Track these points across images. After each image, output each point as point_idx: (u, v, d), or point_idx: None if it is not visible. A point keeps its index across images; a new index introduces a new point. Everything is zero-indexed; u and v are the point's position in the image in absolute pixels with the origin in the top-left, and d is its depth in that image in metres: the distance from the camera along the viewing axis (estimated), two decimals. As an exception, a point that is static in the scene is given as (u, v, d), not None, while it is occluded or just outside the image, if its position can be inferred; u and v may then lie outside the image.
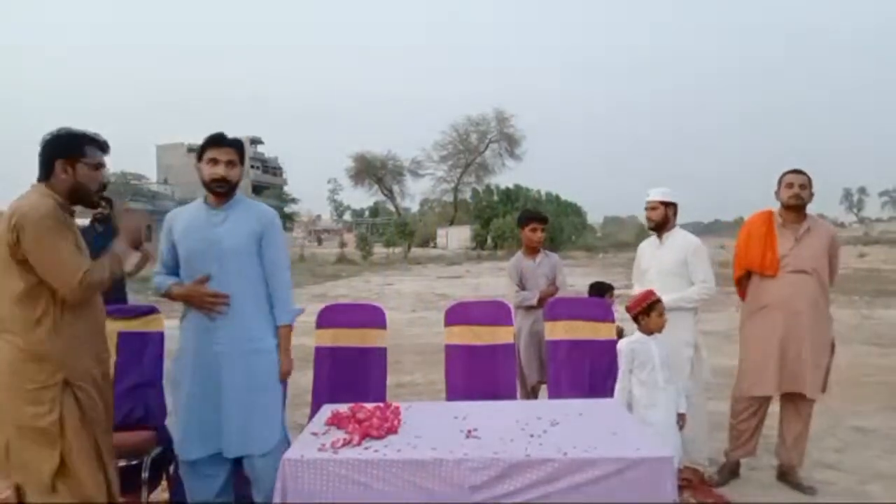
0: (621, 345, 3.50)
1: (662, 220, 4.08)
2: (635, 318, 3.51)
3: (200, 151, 2.97)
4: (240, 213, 2.95)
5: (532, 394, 4.55)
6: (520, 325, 4.50)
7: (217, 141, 2.94)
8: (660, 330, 3.47)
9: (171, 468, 3.28)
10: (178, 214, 3.03)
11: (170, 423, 3.29)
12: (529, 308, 4.55)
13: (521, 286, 4.66)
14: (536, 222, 4.78)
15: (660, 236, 4.13)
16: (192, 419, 2.85)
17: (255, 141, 77.70)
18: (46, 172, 2.53)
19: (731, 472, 3.94)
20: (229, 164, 2.91)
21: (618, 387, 3.46)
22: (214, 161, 2.91)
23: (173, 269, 2.98)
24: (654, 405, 3.37)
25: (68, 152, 2.54)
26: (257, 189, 56.93)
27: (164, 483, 3.38)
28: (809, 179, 3.85)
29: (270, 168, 66.56)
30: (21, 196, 2.49)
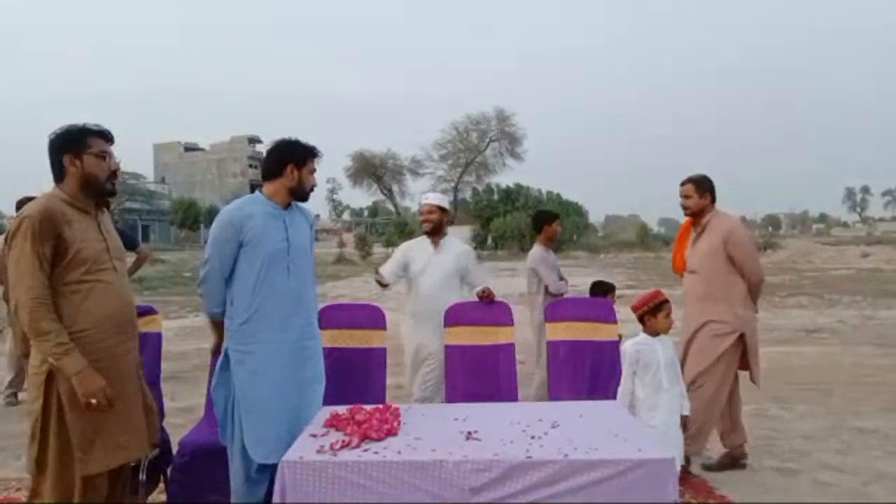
0: (626, 346, 3.48)
1: (438, 224, 4.22)
2: (640, 319, 3.49)
3: (303, 159, 3.02)
4: (295, 213, 3.09)
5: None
6: (535, 312, 4.91)
7: (320, 154, 3.11)
8: (666, 331, 3.45)
9: (169, 470, 3.26)
10: (249, 214, 2.94)
11: (166, 424, 3.27)
12: (557, 296, 4.85)
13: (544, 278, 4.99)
14: (558, 219, 5.39)
15: (435, 242, 4.23)
16: (277, 418, 2.87)
17: (254, 140, 77.80)
18: (59, 171, 2.59)
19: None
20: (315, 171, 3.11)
21: (621, 388, 3.44)
22: (314, 171, 3.09)
23: (228, 273, 2.94)
24: (657, 407, 3.35)
25: (73, 146, 2.57)
26: (255, 188, 56.86)
27: (161, 485, 3.35)
28: (696, 185, 4.09)
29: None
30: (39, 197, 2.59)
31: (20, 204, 5.93)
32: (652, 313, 3.44)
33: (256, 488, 2.90)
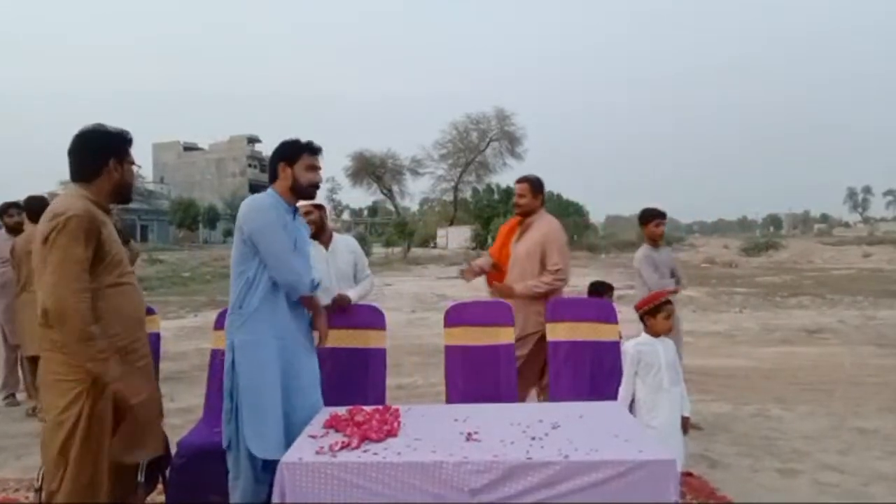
0: (627, 346, 3.47)
1: (321, 223, 4.21)
2: (642, 319, 3.48)
3: (291, 155, 3.05)
4: (298, 217, 3.18)
5: None
6: None
7: (316, 149, 3.10)
8: (667, 332, 3.44)
9: (167, 471, 3.24)
10: (272, 204, 3.02)
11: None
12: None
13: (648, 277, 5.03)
14: (661, 218, 5.27)
15: (325, 243, 4.14)
16: (276, 417, 2.86)
17: (253, 140, 77.71)
18: (92, 171, 2.55)
19: None
20: (320, 169, 3.12)
21: (622, 389, 3.43)
22: (314, 167, 3.07)
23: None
24: (658, 408, 3.34)
25: (119, 152, 2.60)
26: (255, 188, 56.89)
27: (159, 486, 3.33)
28: (531, 185, 4.37)
29: (269, 169, 66.48)
30: (60, 197, 2.55)
31: (29, 203, 5.90)
32: (652, 314, 3.43)
33: (261, 489, 2.87)
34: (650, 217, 5.25)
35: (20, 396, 6.09)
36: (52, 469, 2.45)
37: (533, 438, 2.57)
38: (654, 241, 5.20)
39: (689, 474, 3.83)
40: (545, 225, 4.30)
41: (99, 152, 2.57)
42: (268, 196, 3.04)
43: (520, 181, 4.42)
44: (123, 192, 2.64)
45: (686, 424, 3.47)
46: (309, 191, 3.09)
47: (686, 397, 3.51)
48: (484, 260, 4.58)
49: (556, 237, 4.24)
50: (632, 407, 3.38)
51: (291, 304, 2.99)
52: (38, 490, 3.19)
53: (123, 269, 2.58)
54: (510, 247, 4.42)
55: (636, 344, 3.45)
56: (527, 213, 4.38)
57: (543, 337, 4.12)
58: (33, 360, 5.80)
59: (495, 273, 4.46)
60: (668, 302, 3.45)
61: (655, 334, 3.44)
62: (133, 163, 2.66)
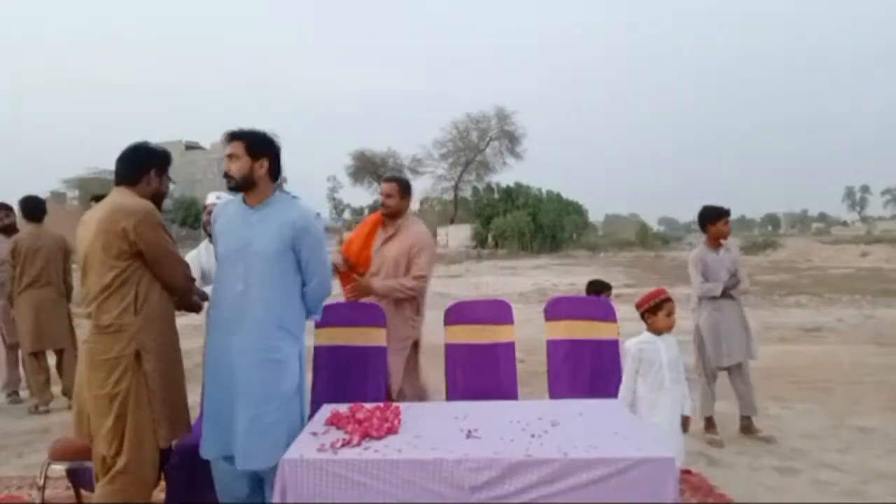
0: (628, 345, 3.48)
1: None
2: (642, 317, 3.49)
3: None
4: (275, 214, 2.91)
5: (713, 378, 4.87)
6: (701, 314, 4.89)
7: (226, 137, 2.99)
8: (668, 329, 3.45)
9: (167, 468, 3.25)
10: (221, 210, 3.05)
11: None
12: (712, 298, 4.84)
13: (705, 278, 4.90)
14: (727, 216, 4.96)
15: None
16: (209, 420, 2.90)
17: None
18: (134, 176, 2.91)
19: None
20: (232, 157, 2.91)
21: (622, 387, 3.44)
22: (228, 157, 2.96)
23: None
24: (659, 406, 3.35)
25: (162, 164, 2.99)
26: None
27: (161, 482, 3.35)
28: (400, 186, 4.18)
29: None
30: (115, 197, 2.87)
31: (25, 203, 5.92)
32: (653, 311, 3.44)
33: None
34: (718, 215, 4.92)
35: (23, 394, 6.10)
36: (108, 437, 2.73)
37: (532, 436, 2.59)
38: (717, 242, 4.95)
39: (688, 472, 3.85)
40: (414, 232, 4.11)
41: (143, 162, 2.94)
42: (235, 204, 3.03)
43: (388, 181, 4.21)
44: (157, 200, 2.96)
45: (686, 423, 3.48)
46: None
47: (688, 396, 3.53)
48: (337, 257, 4.23)
49: (426, 244, 4.09)
50: (633, 405, 3.40)
51: (229, 309, 2.92)
52: (42, 488, 3.23)
53: None
54: (371, 249, 4.18)
55: (637, 342, 3.46)
56: (394, 215, 4.15)
57: (416, 343, 4.19)
58: (35, 357, 5.83)
59: (346, 273, 4.22)
60: (669, 299, 3.46)
61: (657, 332, 3.45)
62: (169, 178, 3.06)
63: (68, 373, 5.85)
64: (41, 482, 3.25)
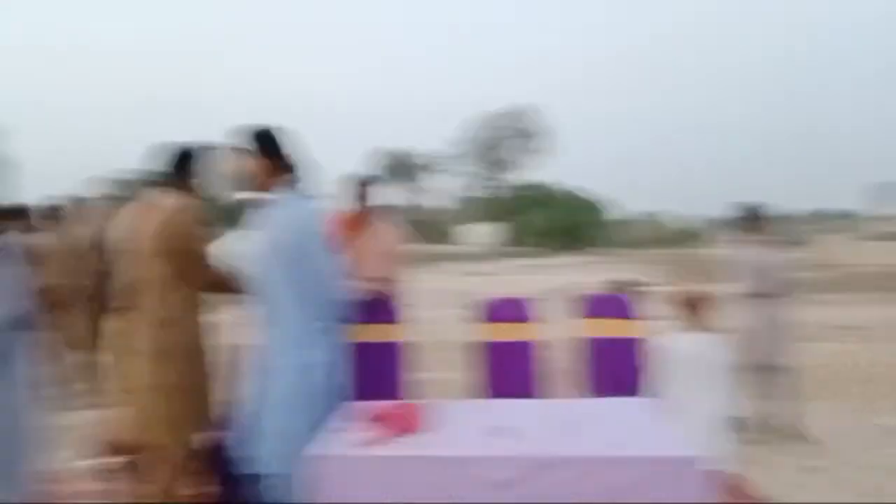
0: (667, 342, 3.44)
1: None
2: (681, 314, 3.45)
3: None
4: (285, 214, 2.88)
5: (749, 377, 4.87)
6: (743, 313, 4.91)
7: (235, 138, 3.03)
8: (707, 327, 3.41)
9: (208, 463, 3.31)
10: (253, 209, 3.08)
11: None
12: (754, 296, 4.83)
13: (747, 276, 4.89)
14: (767, 214, 5.01)
15: None
16: (249, 427, 2.90)
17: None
18: (181, 177, 3.08)
19: None
20: (242, 158, 2.97)
21: (657, 385, 3.42)
22: (239, 157, 2.99)
23: None
24: (697, 405, 3.31)
25: (203, 164, 3.16)
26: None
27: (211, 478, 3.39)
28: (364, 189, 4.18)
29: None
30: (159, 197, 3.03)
31: (52, 206, 6.10)
32: (692, 309, 3.40)
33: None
34: (758, 214, 4.98)
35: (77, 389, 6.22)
36: (148, 427, 2.88)
37: (560, 434, 2.59)
38: (756, 240, 4.95)
39: (721, 471, 3.81)
40: (380, 234, 4.12)
41: (187, 162, 3.11)
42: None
43: (365, 184, 4.18)
44: (200, 199, 3.11)
45: (725, 423, 3.44)
46: None
47: (729, 396, 3.49)
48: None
49: (390, 245, 4.10)
50: (668, 404, 3.37)
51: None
52: (93, 481, 3.29)
53: None
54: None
55: (676, 340, 3.42)
56: (362, 221, 4.13)
57: None
58: (87, 354, 6.00)
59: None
60: (708, 296, 3.42)
61: (696, 330, 3.42)
62: (214, 178, 3.21)
63: (91, 370, 6.03)
64: (93, 476, 3.34)
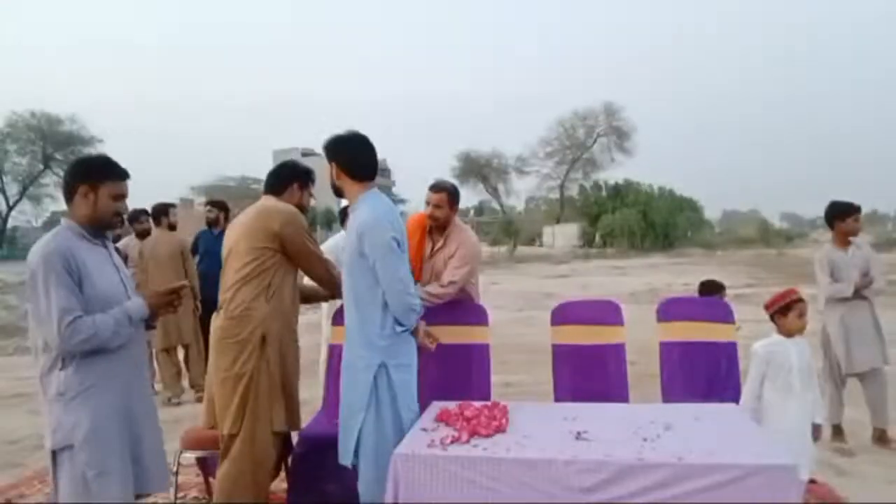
0: (756, 347, 3.32)
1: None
2: (772, 318, 3.33)
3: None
4: (353, 219, 2.93)
5: (842, 384, 4.67)
6: (829, 316, 4.68)
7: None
8: (800, 332, 3.27)
9: (290, 459, 3.42)
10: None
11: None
12: (841, 299, 4.61)
13: (834, 278, 4.67)
14: (858, 212, 4.73)
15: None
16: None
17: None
18: (282, 187, 3.32)
19: None
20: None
21: (746, 390, 3.30)
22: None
23: None
24: (787, 412, 3.18)
25: (304, 180, 3.42)
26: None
27: (282, 474, 3.51)
28: (449, 196, 3.87)
29: (379, 170, 68.26)
30: (265, 202, 3.25)
31: (156, 209, 6.46)
32: (783, 312, 3.26)
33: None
34: (847, 212, 4.68)
35: (156, 388, 6.57)
36: (233, 414, 2.95)
37: (645, 439, 2.54)
38: (846, 240, 4.70)
39: (813, 481, 3.63)
40: (461, 241, 3.88)
41: (288, 176, 3.36)
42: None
43: (436, 190, 3.88)
44: (300, 211, 3.26)
45: (818, 432, 3.30)
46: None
47: (819, 403, 3.35)
48: None
49: (467, 253, 3.84)
50: (757, 411, 3.25)
51: None
52: (175, 474, 3.47)
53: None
54: (423, 259, 3.96)
55: (766, 344, 3.29)
56: (443, 227, 3.91)
57: None
58: (166, 352, 6.31)
59: None
60: (801, 300, 3.27)
61: (788, 334, 3.28)
62: (311, 194, 3.45)
63: (195, 366, 6.35)
64: (174, 469, 3.49)
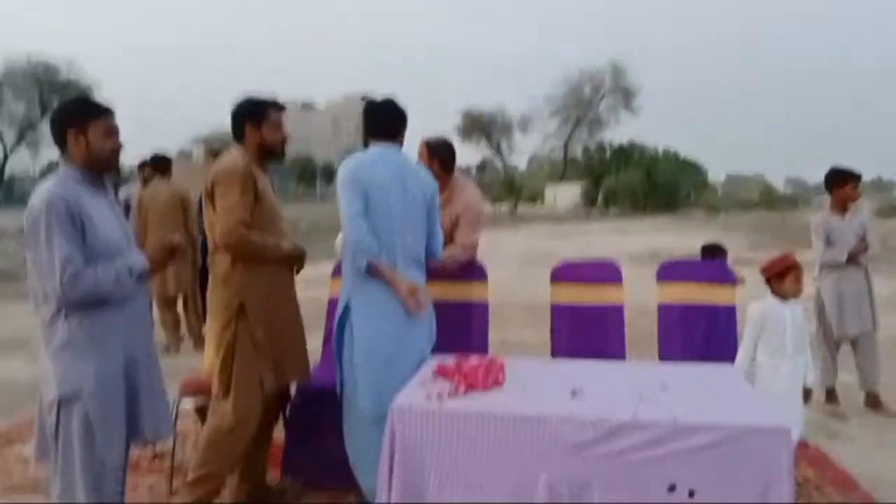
0: (752, 309, 3.35)
1: None
2: (768, 282, 3.34)
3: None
4: (371, 171, 3.05)
5: (835, 348, 4.73)
6: (823, 281, 4.72)
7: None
8: (795, 296, 3.28)
9: (287, 409, 3.45)
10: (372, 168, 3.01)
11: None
12: (836, 265, 4.63)
13: (829, 244, 4.68)
14: (856, 180, 4.73)
15: None
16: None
17: (366, 98, 79.25)
18: (239, 133, 3.04)
19: None
20: None
21: (740, 352, 3.33)
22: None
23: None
24: (778, 374, 3.22)
25: (254, 116, 3.01)
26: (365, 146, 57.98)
27: (279, 423, 3.54)
28: (439, 161, 3.73)
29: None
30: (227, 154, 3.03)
31: (156, 160, 6.44)
32: (779, 277, 3.28)
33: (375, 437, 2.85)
34: (844, 179, 4.70)
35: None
36: (218, 378, 2.94)
37: (640, 398, 2.54)
38: (843, 207, 4.73)
39: (806, 444, 3.68)
40: (464, 199, 3.81)
41: (237, 117, 3.04)
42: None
43: (424, 154, 3.79)
44: (266, 152, 3.06)
45: (808, 394, 3.34)
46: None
47: (811, 366, 3.39)
48: None
49: (472, 214, 3.80)
50: (750, 372, 3.28)
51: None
52: (174, 418, 3.46)
53: (276, 224, 3.07)
54: None
55: (761, 308, 3.32)
56: (441, 188, 3.70)
57: None
58: (165, 302, 6.36)
59: None
60: (797, 265, 3.28)
61: (783, 298, 3.30)
62: (278, 126, 3.06)
63: (192, 317, 6.41)
64: (173, 415, 3.52)
